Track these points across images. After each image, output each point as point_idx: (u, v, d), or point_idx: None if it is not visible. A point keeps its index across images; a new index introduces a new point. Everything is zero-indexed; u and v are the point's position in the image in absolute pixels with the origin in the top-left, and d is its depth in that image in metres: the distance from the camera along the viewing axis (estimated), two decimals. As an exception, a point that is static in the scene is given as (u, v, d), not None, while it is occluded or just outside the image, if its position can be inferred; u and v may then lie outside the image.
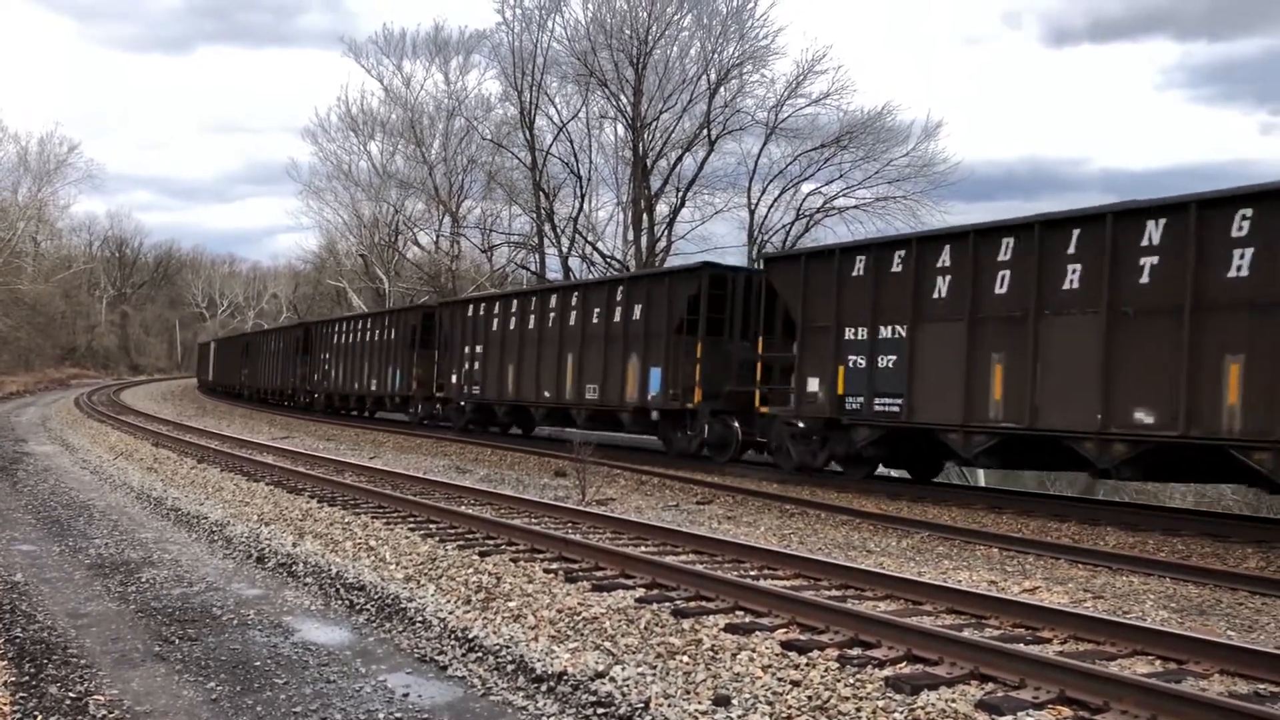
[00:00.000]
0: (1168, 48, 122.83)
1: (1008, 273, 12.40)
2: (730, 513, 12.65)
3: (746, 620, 6.29)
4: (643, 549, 8.72)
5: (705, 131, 38.01)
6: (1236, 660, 5.45)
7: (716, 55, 37.66)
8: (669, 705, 4.86)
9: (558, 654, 5.68)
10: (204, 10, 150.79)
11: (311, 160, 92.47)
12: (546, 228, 41.55)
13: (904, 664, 5.41)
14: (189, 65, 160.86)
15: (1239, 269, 10.17)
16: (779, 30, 53.37)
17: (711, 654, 5.55)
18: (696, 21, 38.00)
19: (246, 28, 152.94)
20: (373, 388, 29.94)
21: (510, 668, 5.63)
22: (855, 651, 5.60)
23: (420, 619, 6.63)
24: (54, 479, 14.63)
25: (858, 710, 4.69)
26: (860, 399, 14.05)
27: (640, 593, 7.01)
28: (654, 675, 5.26)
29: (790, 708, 4.75)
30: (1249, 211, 10.13)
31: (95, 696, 5.08)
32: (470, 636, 6.15)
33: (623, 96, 38.80)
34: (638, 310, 18.66)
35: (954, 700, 4.79)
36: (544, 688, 5.31)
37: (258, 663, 5.75)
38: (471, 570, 7.74)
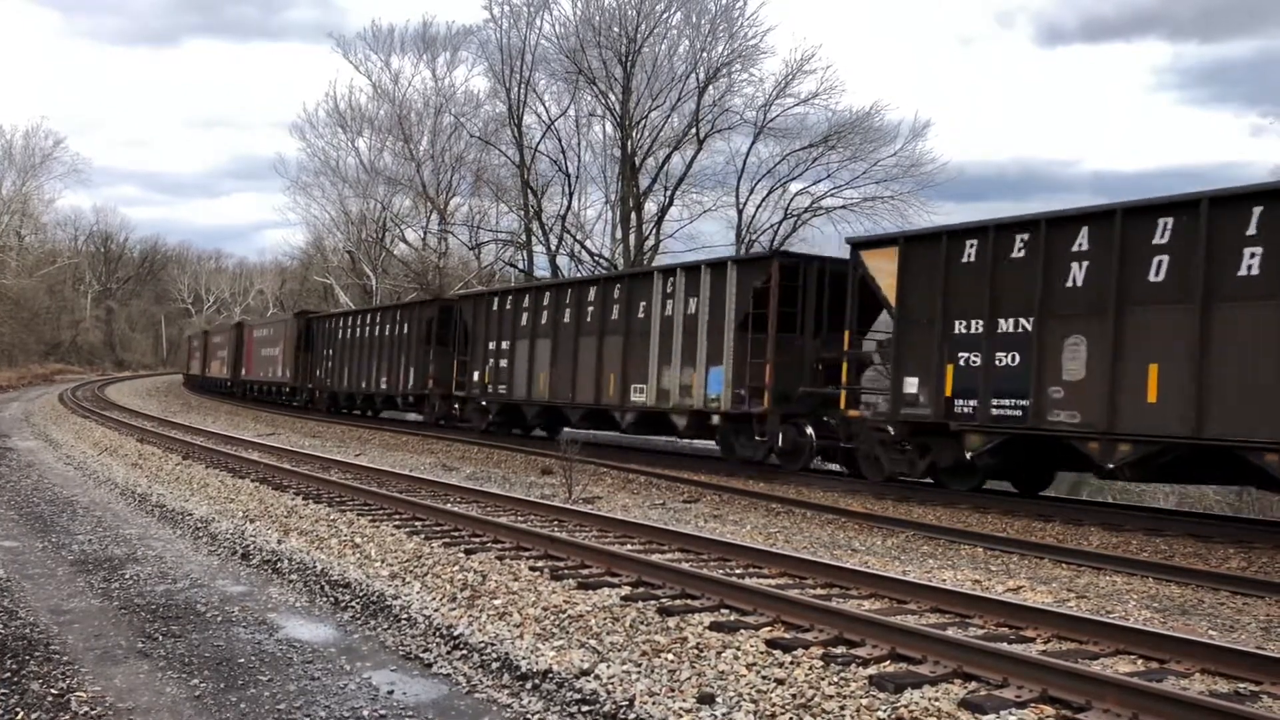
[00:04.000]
0: (1160, 48, 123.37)
1: None
2: (716, 511, 12.67)
3: (732, 618, 6.30)
4: (628, 547, 8.73)
5: (694, 130, 38.03)
6: (1218, 659, 5.49)
7: (705, 54, 37.69)
8: (653, 703, 4.86)
9: (543, 652, 5.68)
10: (190, 3, 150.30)
11: (299, 156, 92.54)
12: (535, 225, 41.53)
13: (888, 662, 5.43)
14: (175, 59, 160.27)
15: None
16: (768, 29, 53.23)
17: (696, 652, 5.56)
18: (685, 20, 38.02)
19: (233, 21, 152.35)
20: (634, 398, 18.46)
21: (495, 665, 5.63)
22: (840, 650, 5.62)
23: (405, 616, 6.62)
24: (37, 474, 14.54)
25: (841, 709, 4.71)
26: None
27: (626, 591, 7.02)
28: (639, 673, 5.26)
29: (774, 706, 4.76)
30: None
31: (77, 693, 5.06)
32: (455, 634, 6.14)
33: (611, 94, 38.80)
34: None
35: (937, 699, 4.82)
36: (529, 685, 5.32)
37: (242, 660, 5.74)
38: (457, 568, 7.73)
